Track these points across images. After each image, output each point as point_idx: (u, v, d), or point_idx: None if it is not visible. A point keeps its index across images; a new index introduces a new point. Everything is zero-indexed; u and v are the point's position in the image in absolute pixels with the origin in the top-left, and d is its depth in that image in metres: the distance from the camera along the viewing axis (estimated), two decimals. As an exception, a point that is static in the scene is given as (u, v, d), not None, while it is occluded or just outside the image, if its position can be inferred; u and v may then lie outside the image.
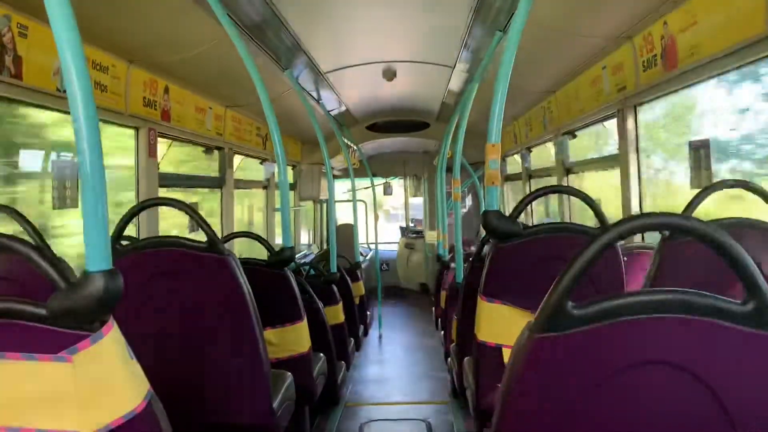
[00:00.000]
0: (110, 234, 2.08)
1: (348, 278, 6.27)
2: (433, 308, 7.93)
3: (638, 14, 3.19)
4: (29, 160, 3.17)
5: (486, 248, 3.05)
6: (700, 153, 3.00)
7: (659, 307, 1.09)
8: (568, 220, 5.30)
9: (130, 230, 3.68)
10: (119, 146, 3.82)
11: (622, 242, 3.28)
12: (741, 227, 2.17)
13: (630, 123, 3.75)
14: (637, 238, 3.74)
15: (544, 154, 6.27)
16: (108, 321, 1.17)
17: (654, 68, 3.25)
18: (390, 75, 5.42)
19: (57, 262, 1.15)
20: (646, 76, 3.36)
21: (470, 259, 3.73)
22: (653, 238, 3.38)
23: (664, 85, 3.22)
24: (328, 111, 6.52)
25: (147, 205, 2.62)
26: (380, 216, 10.40)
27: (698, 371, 1.09)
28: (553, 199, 6.01)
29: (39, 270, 1.12)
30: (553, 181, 5.72)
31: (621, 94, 3.74)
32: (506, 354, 2.30)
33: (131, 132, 3.81)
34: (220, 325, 2.35)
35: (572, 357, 1.12)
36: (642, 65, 3.40)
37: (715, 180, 2.87)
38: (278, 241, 7.07)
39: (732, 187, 2.34)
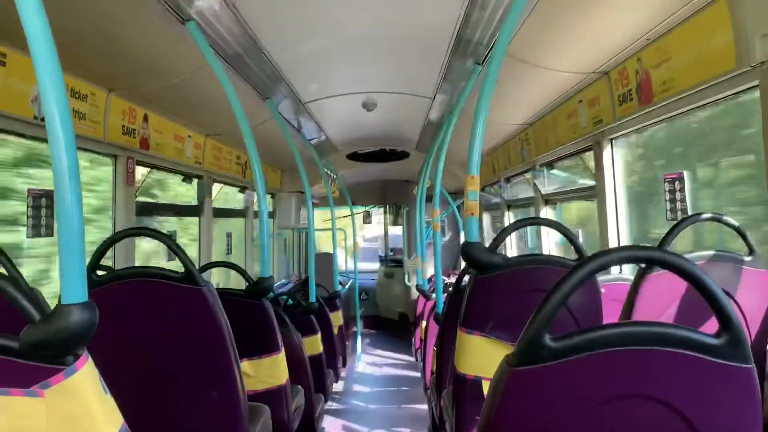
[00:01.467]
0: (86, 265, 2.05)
1: (327, 308, 6.22)
2: (413, 339, 7.89)
3: (613, 50, 3.26)
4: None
5: (466, 279, 3.05)
6: (675, 186, 3.06)
7: (635, 340, 1.10)
8: (546, 251, 5.34)
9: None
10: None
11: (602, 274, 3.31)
12: (716, 259, 2.21)
13: (606, 156, 3.81)
14: (615, 269, 3.77)
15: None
16: (82, 354, 1.14)
17: (629, 102, 3.32)
18: (370, 105, 5.46)
19: (31, 294, 1.13)
20: (622, 110, 3.43)
21: (450, 289, 3.72)
22: (633, 269, 3.41)
23: (639, 119, 3.29)
24: (309, 140, 6.54)
25: (124, 235, 2.58)
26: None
27: (674, 404, 1.10)
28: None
29: (12, 302, 1.10)
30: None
31: (597, 127, 3.81)
32: (486, 386, 2.29)
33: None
34: (196, 357, 2.31)
35: (550, 390, 1.12)
36: (618, 99, 3.47)
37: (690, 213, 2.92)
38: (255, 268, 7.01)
39: (706, 220, 2.38)
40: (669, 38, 2.81)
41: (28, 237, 2.90)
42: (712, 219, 2.36)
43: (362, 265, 10.78)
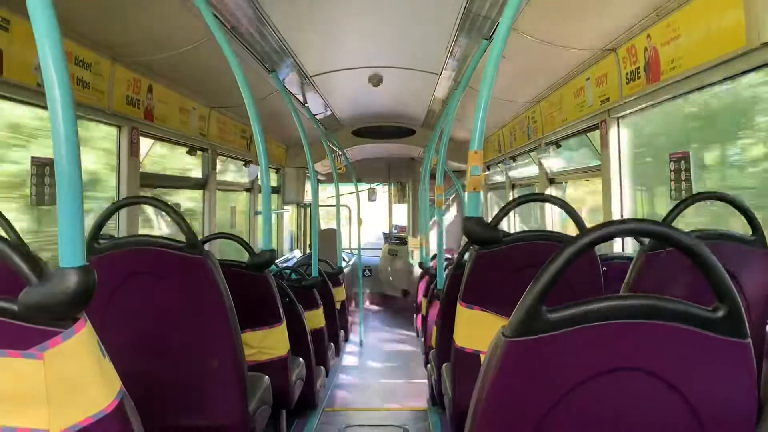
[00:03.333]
0: (87, 232, 2.05)
1: (330, 283, 6.25)
2: (414, 315, 7.94)
3: (622, 26, 3.22)
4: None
5: (467, 255, 3.06)
6: (680, 165, 3.03)
7: (631, 313, 1.09)
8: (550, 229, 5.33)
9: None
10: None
11: (604, 253, 3.30)
12: (719, 238, 2.19)
13: (612, 134, 3.78)
14: (618, 249, 3.77)
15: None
16: (80, 318, 1.15)
17: (637, 80, 3.28)
18: (376, 80, 5.43)
19: (30, 258, 1.13)
20: (629, 88, 3.39)
21: (451, 266, 3.73)
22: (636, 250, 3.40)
23: (646, 98, 3.25)
24: (314, 115, 6.51)
25: (125, 203, 2.58)
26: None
27: (669, 377, 1.10)
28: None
29: (11, 264, 1.10)
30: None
31: (604, 105, 3.77)
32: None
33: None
34: (196, 326, 2.32)
35: (545, 361, 1.12)
36: (625, 77, 3.43)
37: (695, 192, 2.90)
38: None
39: (710, 199, 2.36)
40: (679, 14, 2.76)
41: (31, 205, 2.91)
42: (716, 198, 2.33)
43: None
